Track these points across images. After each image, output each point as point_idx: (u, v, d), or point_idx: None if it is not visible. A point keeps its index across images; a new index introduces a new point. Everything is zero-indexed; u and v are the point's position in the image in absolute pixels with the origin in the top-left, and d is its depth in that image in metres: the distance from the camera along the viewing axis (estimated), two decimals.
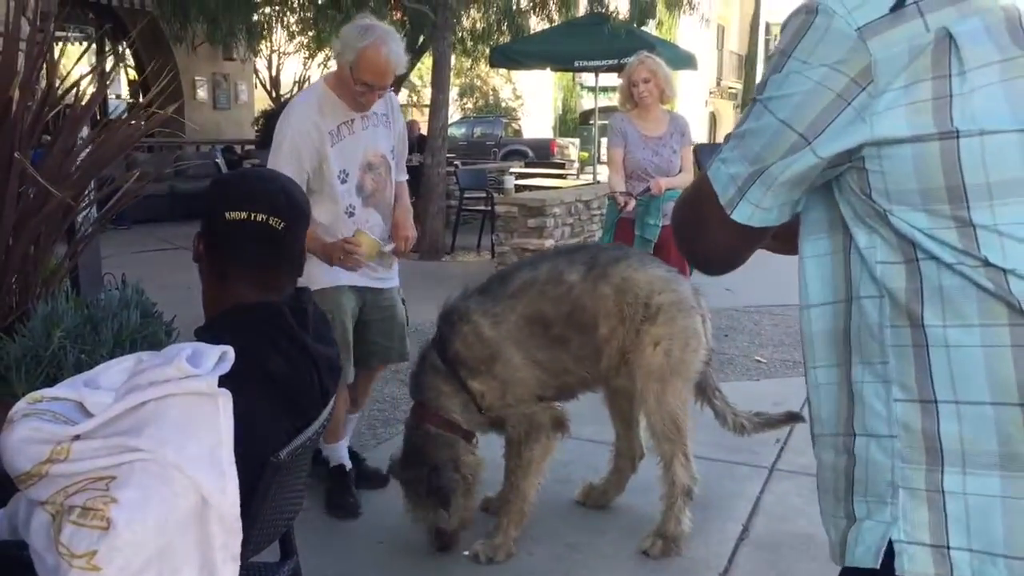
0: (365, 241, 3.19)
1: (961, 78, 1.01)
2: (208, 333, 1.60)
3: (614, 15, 12.04)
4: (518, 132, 29.34)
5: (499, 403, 3.06)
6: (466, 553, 3.12)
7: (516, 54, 12.01)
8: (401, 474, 3.14)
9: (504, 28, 13.60)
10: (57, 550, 1.43)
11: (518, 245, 7.57)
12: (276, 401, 1.61)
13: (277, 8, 14.24)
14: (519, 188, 10.44)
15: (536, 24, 13.88)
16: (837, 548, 1.16)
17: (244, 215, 1.63)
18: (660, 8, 12.95)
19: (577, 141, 27.25)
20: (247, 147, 14.72)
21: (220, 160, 11.34)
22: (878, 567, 1.07)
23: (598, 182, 12.07)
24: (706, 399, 3.38)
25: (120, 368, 1.61)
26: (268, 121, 13.71)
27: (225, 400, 1.47)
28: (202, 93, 16.01)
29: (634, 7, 12.37)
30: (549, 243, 7.53)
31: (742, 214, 1.16)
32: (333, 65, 3.36)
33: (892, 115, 1.03)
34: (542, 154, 22.70)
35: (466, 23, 13.82)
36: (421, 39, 14.31)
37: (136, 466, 1.43)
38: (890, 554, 1.07)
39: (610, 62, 11.40)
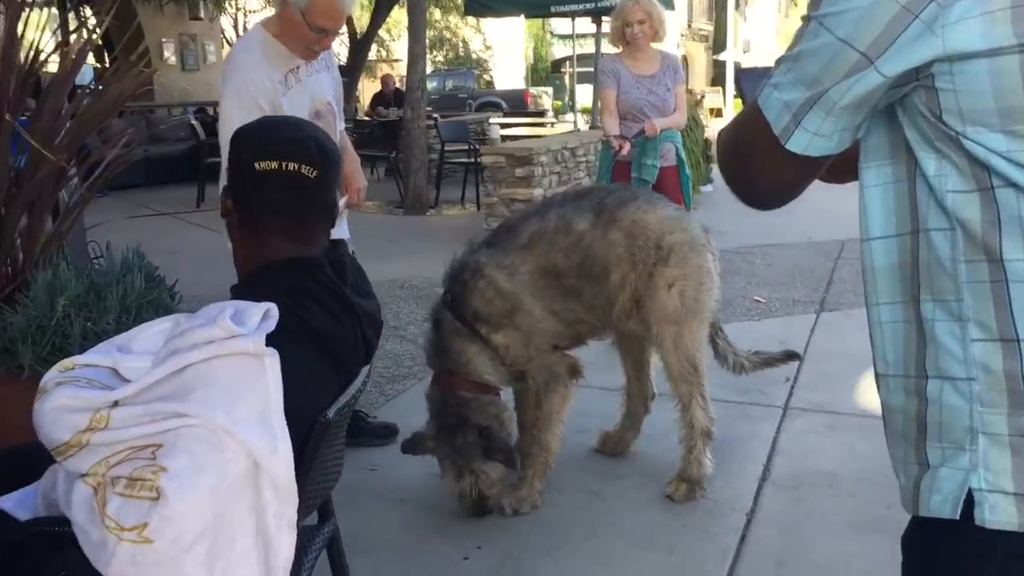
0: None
1: None
2: (246, 291, 1.52)
3: None
4: (490, 83, 29.01)
5: (523, 355, 3.01)
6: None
7: (491, 1, 11.78)
8: (442, 446, 3.02)
9: None
10: (104, 523, 1.37)
11: (506, 195, 7.48)
12: (322, 358, 1.54)
13: None
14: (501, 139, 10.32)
15: None
16: (909, 496, 1.09)
17: (275, 165, 1.54)
18: None
19: (550, 90, 26.98)
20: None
21: (195, 122, 11.08)
22: (957, 517, 1.01)
23: (579, 129, 11.96)
24: (709, 339, 3.35)
25: (155, 331, 1.54)
26: None
27: (272, 359, 1.40)
28: (169, 55, 15.63)
29: None
30: (537, 192, 7.45)
31: (798, 143, 1.07)
32: None
33: (965, 26, 0.94)
34: (516, 104, 22.43)
35: None
36: None
37: (183, 432, 1.36)
38: (968, 503, 1.00)
39: (587, 6, 11.20)
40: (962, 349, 1.01)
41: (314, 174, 1.56)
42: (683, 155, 4.92)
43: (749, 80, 1.45)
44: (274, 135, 1.59)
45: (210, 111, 13.11)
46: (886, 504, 3.00)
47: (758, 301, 5.82)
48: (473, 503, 3.02)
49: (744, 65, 31.06)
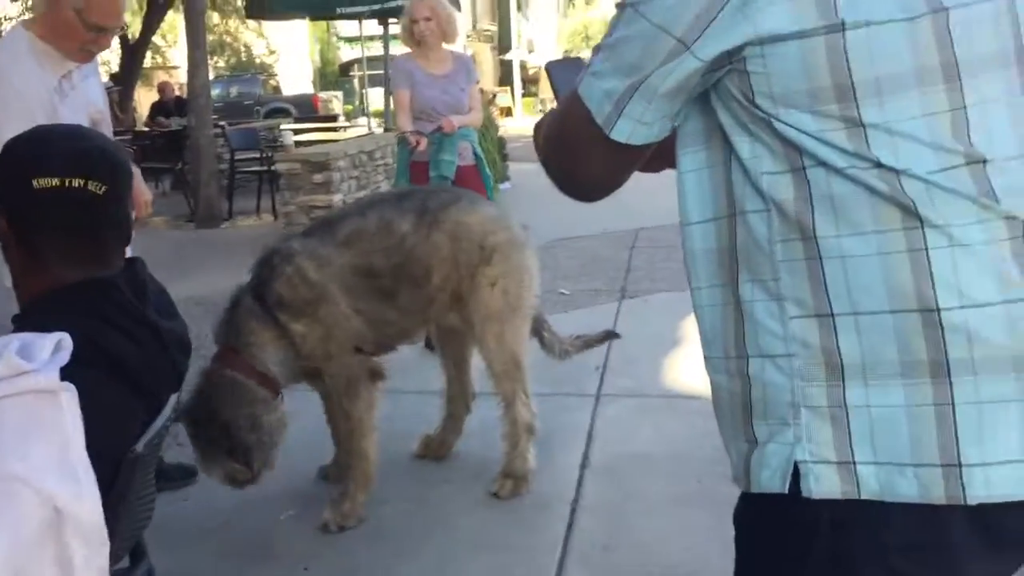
0: None
1: None
2: (31, 321, 1.37)
3: None
4: (277, 88, 28.15)
5: (320, 349, 2.91)
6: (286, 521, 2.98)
7: (273, 3, 11.43)
8: (189, 420, 2.83)
9: None
10: None
11: (305, 203, 7.28)
12: (125, 387, 1.40)
13: None
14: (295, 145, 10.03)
15: None
16: (741, 472, 1.11)
17: (56, 182, 1.39)
18: None
19: (340, 94, 26.58)
20: None
21: None
22: (786, 491, 1.03)
23: (372, 132, 11.83)
24: (535, 332, 3.39)
25: None
26: None
27: (69, 395, 1.26)
28: None
29: None
30: (337, 198, 7.30)
31: (621, 132, 1.07)
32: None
33: (775, 9, 0.97)
34: (305, 110, 21.96)
35: None
36: None
37: None
38: (796, 476, 1.02)
39: (373, 7, 11.09)
40: (781, 326, 1.04)
41: (103, 189, 1.42)
42: (481, 153, 4.94)
43: (561, 72, 1.45)
44: (54, 147, 1.43)
45: None
46: (697, 479, 3.15)
47: (563, 293, 5.97)
48: (225, 482, 2.90)
49: (530, 63, 31.86)
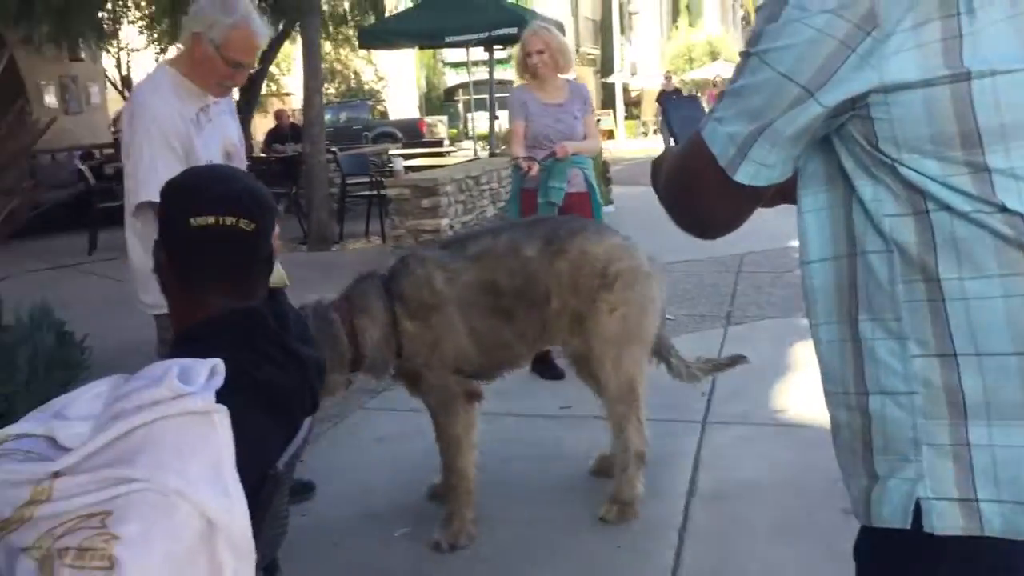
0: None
1: (970, 16, 0.98)
2: (188, 347, 1.49)
3: None
4: (384, 114, 28.91)
5: (423, 355, 3.02)
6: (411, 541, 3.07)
7: (385, 34, 11.83)
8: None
9: (366, 9, 13.36)
10: None
11: (413, 227, 7.48)
12: (270, 411, 1.51)
13: (123, 3, 13.55)
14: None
15: (397, 4, 13.70)
16: (861, 506, 1.14)
17: (211, 220, 1.52)
18: None
19: (445, 119, 27.12)
20: (106, 151, 13.97)
21: (83, 167, 10.70)
22: (908, 527, 1.05)
23: (478, 157, 12.05)
24: (662, 358, 3.44)
25: (91, 395, 1.48)
26: None
27: (222, 417, 1.37)
28: (50, 98, 15.06)
29: None
30: (444, 222, 7.48)
31: (746, 174, 1.11)
32: None
33: (900, 59, 1.00)
34: (411, 134, 22.44)
35: (326, 6, 13.47)
36: (281, 24, 13.89)
37: (134, 497, 1.32)
38: (917, 512, 1.05)
39: (480, 35, 11.35)
40: (902, 365, 1.06)
41: (252, 227, 1.54)
42: (594, 182, 4.98)
43: (676, 108, 1.50)
44: (208, 188, 1.56)
45: (96, 155, 12.71)
46: (808, 510, 3.11)
47: (669, 318, 5.94)
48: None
49: (632, 86, 31.82)
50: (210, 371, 1.40)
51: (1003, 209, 0.99)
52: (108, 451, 1.37)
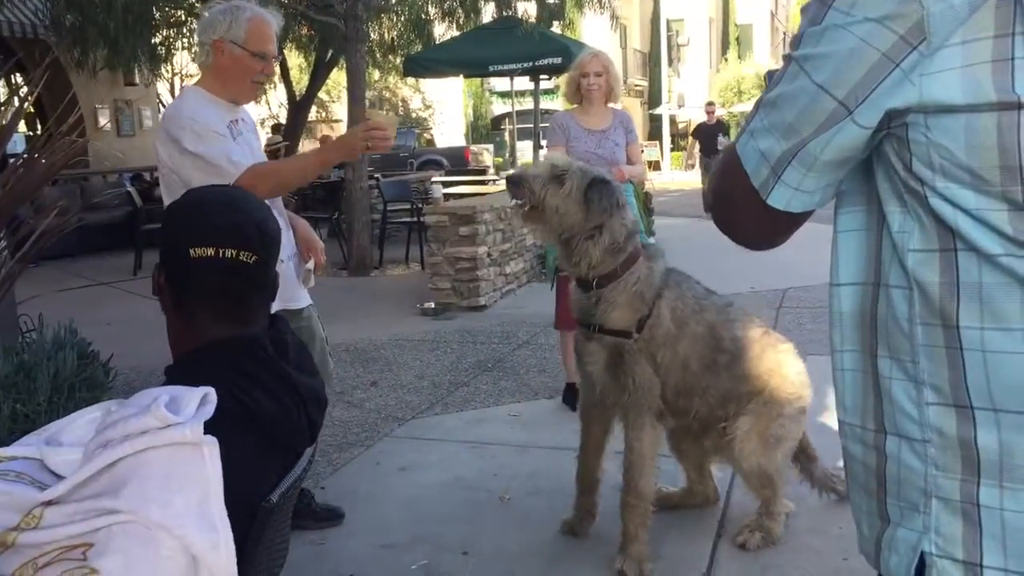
0: (382, 118, 3.03)
1: None
2: (182, 374, 1.46)
3: (525, 18, 12.04)
4: (431, 141, 29.17)
5: (654, 343, 2.95)
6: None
7: (430, 62, 11.91)
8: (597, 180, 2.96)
9: (413, 38, 13.49)
10: None
11: (451, 254, 7.45)
12: (263, 441, 1.47)
13: (176, 30, 13.85)
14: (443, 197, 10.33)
15: (444, 32, 13.81)
16: (871, 549, 1.08)
17: (211, 251, 1.48)
18: (569, 8, 12.97)
19: (491, 147, 27.27)
20: (156, 174, 14.24)
21: (131, 189, 10.91)
22: None
23: None
24: (801, 466, 3.41)
25: (86, 420, 1.46)
26: None
27: (211, 448, 1.33)
28: (104, 121, 15.43)
29: (543, 9, 12.40)
30: (482, 250, 7.44)
31: (779, 199, 1.03)
32: None
33: (945, 78, 0.89)
34: (457, 162, 22.64)
35: (374, 35, 13.62)
36: (330, 53, 14.10)
37: (116, 530, 1.29)
38: (921, 565, 0.99)
39: (525, 65, 11.40)
40: (917, 411, 0.99)
41: (253, 259, 1.50)
42: (637, 209, 4.92)
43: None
44: (210, 218, 1.52)
45: (147, 176, 12.95)
46: (843, 555, 2.99)
47: None
48: None
49: (679, 118, 31.75)
50: (201, 399, 1.36)
51: None
52: (95, 481, 1.34)
